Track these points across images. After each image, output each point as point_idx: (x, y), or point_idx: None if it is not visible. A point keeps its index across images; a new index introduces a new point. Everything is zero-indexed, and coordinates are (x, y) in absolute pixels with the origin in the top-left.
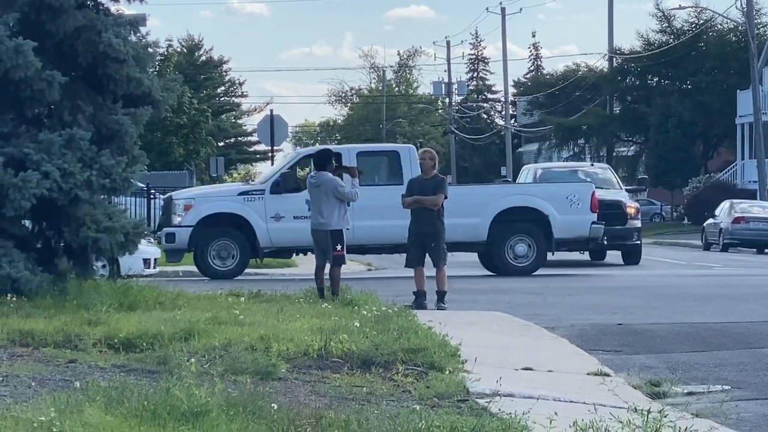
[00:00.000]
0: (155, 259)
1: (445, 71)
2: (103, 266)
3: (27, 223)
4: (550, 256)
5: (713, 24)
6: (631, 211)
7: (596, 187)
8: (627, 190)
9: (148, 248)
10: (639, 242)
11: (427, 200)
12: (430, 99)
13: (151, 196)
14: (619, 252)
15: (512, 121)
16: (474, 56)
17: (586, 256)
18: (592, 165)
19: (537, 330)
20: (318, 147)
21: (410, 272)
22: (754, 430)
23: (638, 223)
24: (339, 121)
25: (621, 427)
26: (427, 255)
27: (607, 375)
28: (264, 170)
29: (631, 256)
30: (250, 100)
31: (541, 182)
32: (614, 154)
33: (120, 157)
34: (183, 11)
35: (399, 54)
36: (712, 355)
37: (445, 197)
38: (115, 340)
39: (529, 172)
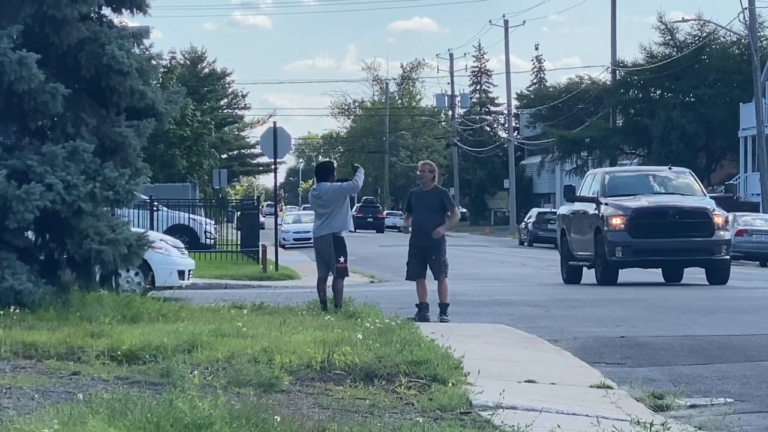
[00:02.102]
0: (190, 271)
1: (448, 84)
2: (137, 278)
3: (30, 234)
4: (622, 276)
5: (716, 37)
6: (718, 220)
7: (676, 194)
8: (712, 197)
9: (184, 260)
10: (728, 257)
11: (452, 223)
12: (433, 111)
13: (154, 209)
14: (703, 269)
15: (515, 134)
16: (477, 69)
17: (659, 276)
18: (670, 168)
19: (540, 342)
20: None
21: (413, 284)
22: None
23: (727, 235)
24: (342, 134)
25: None
26: (428, 268)
27: (610, 387)
28: (267, 182)
29: (718, 274)
30: (253, 113)
31: (609, 187)
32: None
33: (123, 169)
34: (186, 23)
35: (402, 66)
36: (715, 368)
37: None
38: (118, 353)
39: (596, 178)
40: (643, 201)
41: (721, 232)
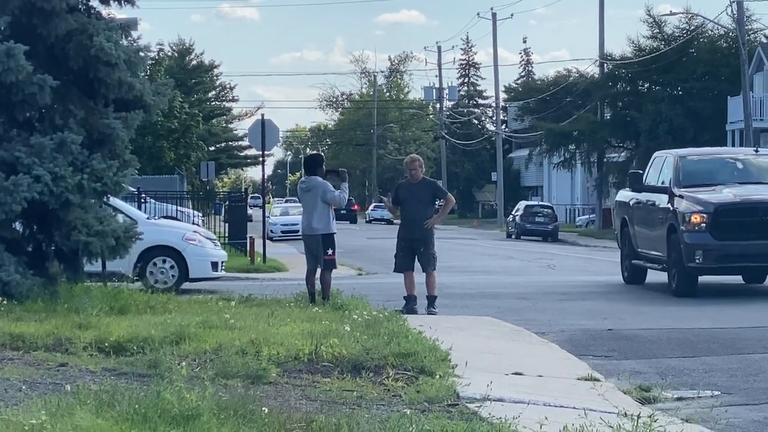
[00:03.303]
0: (222, 262)
1: (436, 76)
2: (172, 269)
3: (18, 226)
4: (702, 279)
5: (704, 30)
6: None
7: (765, 183)
8: None
9: (217, 251)
10: None
11: (448, 209)
12: (421, 104)
13: (142, 200)
14: None
15: (503, 127)
16: (465, 61)
17: (738, 279)
18: (756, 151)
19: (527, 335)
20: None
21: (401, 277)
22: None
23: None
24: (330, 126)
25: (611, 431)
26: (416, 260)
27: (597, 380)
28: (254, 175)
29: None
30: (240, 105)
31: (684, 174)
32: (605, 160)
33: (111, 161)
34: (174, 15)
35: (390, 59)
36: (702, 361)
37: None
38: (106, 344)
39: (666, 162)
40: (727, 193)
41: None
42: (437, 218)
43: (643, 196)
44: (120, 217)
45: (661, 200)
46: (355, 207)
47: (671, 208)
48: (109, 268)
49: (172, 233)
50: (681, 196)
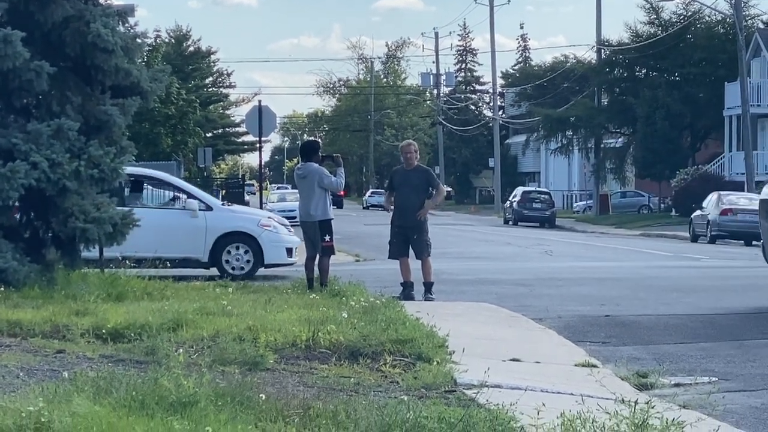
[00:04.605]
0: (296, 248)
1: (434, 62)
2: (247, 255)
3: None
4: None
5: (701, 16)
6: None
7: None
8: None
9: (290, 237)
10: None
11: (438, 200)
12: (418, 90)
13: None
14: None
15: (500, 113)
16: (462, 47)
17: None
18: None
19: (525, 321)
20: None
21: (398, 263)
22: (740, 422)
23: None
24: (327, 112)
25: (608, 417)
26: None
27: (595, 366)
28: (251, 161)
29: None
30: (238, 91)
31: None
32: (602, 145)
33: (108, 147)
34: (171, 1)
35: (387, 45)
36: (699, 347)
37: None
38: (103, 331)
39: None
40: None
41: None
42: (426, 209)
43: None
44: (195, 203)
45: None
46: (342, 192)
47: None
48: (184, 254)
49: (247, 219)
50: None
